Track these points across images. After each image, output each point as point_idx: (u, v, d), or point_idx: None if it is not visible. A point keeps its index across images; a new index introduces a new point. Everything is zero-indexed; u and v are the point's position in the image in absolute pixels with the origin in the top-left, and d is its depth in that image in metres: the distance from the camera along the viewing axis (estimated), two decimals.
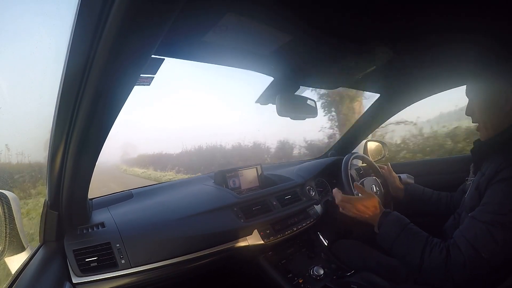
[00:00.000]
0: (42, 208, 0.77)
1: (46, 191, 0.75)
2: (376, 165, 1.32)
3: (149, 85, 0.67)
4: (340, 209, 0.96)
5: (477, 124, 0.84)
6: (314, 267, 1.02)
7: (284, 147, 8.68)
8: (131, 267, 0.76)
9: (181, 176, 8.78)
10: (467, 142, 3.42)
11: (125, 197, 1.09)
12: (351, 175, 1.18)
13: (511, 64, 0.82)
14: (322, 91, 5.29)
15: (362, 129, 1.61)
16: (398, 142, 4.46)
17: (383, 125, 1.61)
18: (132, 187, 1.20)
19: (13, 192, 0.76)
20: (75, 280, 0.70)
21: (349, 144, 1.67)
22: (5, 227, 0.70)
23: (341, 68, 0.89)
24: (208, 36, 0.64)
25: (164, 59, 0.64)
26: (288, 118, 0.99)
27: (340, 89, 3.69)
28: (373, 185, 1.16)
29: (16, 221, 0.73)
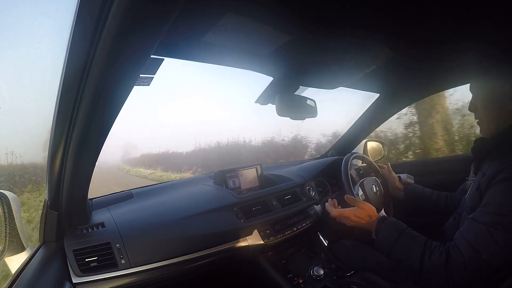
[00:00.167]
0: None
1: (46, 191, 0.75)
2: (376, 165, 1.32)
3: (148, 85, 0.67)
4: (337, 219, 0.96)
5: (479, 120, 0.84)
6: (314, 267, 1.02)
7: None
8: (131, 267, 0.76)
9: None
10: None
11: (125, 197, 1.09)
12: (351, 175, 1.18)
13: None
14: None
15: (362, 129, 1.61)
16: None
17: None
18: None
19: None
20: (75, 280, 0.70)
21: (349, 144, 1.67)
22: (5, 227, 0.70)
23: (341, 68, 0.89)
24: (207, 36, 0.64)
25: (163, 59, 0.64)
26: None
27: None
28: (373, 185, 1.16)
29: (16, 221, 0.73)
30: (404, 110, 3.48)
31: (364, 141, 1.64)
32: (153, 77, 0.66)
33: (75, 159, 0.61)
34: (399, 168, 1.45)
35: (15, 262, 0.73)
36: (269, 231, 1.02)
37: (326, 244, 1.20)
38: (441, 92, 3.23)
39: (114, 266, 0.75)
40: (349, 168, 1.17)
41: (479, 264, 0.64)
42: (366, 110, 1.52)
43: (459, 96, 3.72)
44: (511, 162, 0.69)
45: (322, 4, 0.55)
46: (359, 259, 1.06)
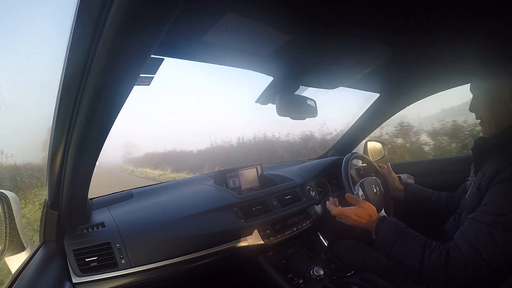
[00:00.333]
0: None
1: (46, 191, 0.75)
2: (376, 165, 1.32)
3: (148, 85, 0.67)
4: (337, 218, 0.96)
5: (480, 120, 0.84)
6: (314, 267, 1.02)
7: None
8: (131, 267, 0.76)
9: None
10: None
11: (125, 197, 1.09)
12: (351, 175, 1.18)
13: None
14: None
15: (362, 129, 1.61)
16: None
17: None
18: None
19: None
20: (75, 280, 0.70)
21: (349, 144, 1.67)
22: (5, 226, 0.70)
23: (341, 68, 0.89)
24: (207, 36, 0.64)
25: (163, 59, 0.64)
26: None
27: None
28: (373, 185, 1.16)
29: (16, 221, 0.73)
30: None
31: (364, 141, 1.64)
32: (153, 77, 0.66)
33: (75, 159, 0.61)
34: (399, 168, 1.45)
35: (15, 262, 0.73)
36: (269, 231, 1.02)
37: (326, 244, 1.20)
38: None
39: (114, 266, 0.75)
40: (349, 168, 1.17)
41: (479, 263, 0.64)
42: (366, 110, 1.52)
43: None
44: (511, 162, 0.69)
45: (322, 4, 0.55)
46: (359, 259, 1.06)
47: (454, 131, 3.63)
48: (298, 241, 1.17)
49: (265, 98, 1.00)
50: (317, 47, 0.77)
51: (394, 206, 1.22)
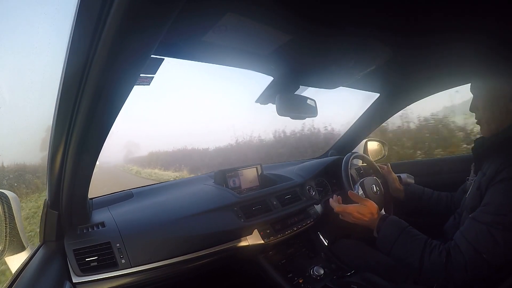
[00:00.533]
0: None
1: (46, 191, 0.75)
2: (376, 164, 1.32)
3: (149, 84, 0.67)
4: (340, 216, 0.97)
5: (480, 120, 0.84)
6: (314, 267, 1.02)
7: None
8: (131, 267, 0.76)
9: None
10: None
11: (125, 196, 1.09)
12: (351, 174, 1.18)
13: None
14: None
15: (362, 128, 1.61)
16: None
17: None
18: None
19: None
20: (75, 279, 0.70)
21: (349, 144, 1.67)
22: (5, 226, 0.70)
23: (341, 68, 0.89)
24: (207, 36, 0.64)
25: (163, 59, 0.64)
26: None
27: None
28: (373, 185, 1.16)
29: (16, 221, 0.73)
30: None
31: (364, 140, 1.64)
32: (153, 77, 0.65)
33: (75, 159, 0.61)
34: (399, 168, 1.45)
35: (15, 261, 0.73)
36: (269, 230, 1.02)
37: (326, 244, 1.20)
38: None
39: (114, 266, 0.75)
40: (349, 168, 1.17)
41: (479, 263, 0.64)
42: (366, 110, 1.52)
43: None
44: (511, 162, 0.69)
45: (322, 4, 0.55)
46: (359, 258, 1.07)
47: None
48: (298, 241, 1.17)
49: (265, 98, 1.00)
50: (317, 47, 0.77)
51: (394, 206, 1.22)
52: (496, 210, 0.66)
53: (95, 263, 0.74)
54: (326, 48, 0.77)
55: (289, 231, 1.06)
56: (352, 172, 1.37)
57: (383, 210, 1.00)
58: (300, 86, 1.02)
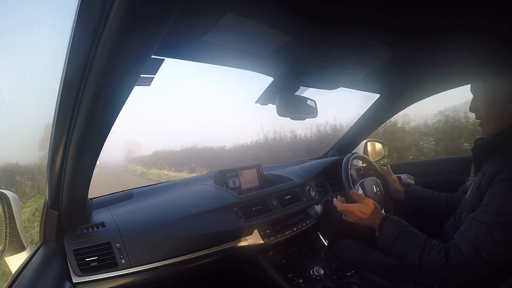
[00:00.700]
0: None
1: (47, 191, 0.75)
2: (376, 165, 1.32)
3: (149, 85, 0.67)
4: (343, 216, 0.97)
5: (480, 120, 0.84)
6: (314, 267, 1.02)
7: None
8: (131, 267, 0.76)
9: None
10: None
11: (125, 197, 1.09)
12: (351, 175, 1.18)
13: None
14: None
15: (362, 129, 1.61)
16: None
17: None
18: None
19: None
20: (75, 279, 0.70)
21: (349, 144, 1.67)
22: (5, 226, 0.70)
23: (341, 68, 0.89)
24: (208, 37, 0.64)
25: (164, 59, 0.64)
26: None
27: None
28: (373, 186, 1.16)
29: (16, 221, 0.73)
30: None
31: (364, 141, 1.64)
32: (153, 77, 0.65)
33: (75, 159, 0.61)
34: (399, 168, 1.45)
35: (15, 261, 0.73)
36: (269, 231, 1.02)
37: (326, 244, 1.20)
38: None
39: (114, 266, 0.75)
40: (349, 168, 1.17)
41: (479, 263, 0.64)
42: (366, 110, 1.53)
43: None
44: (511, 162, 0.69)
45: (322, 4, 0.55)
46: (359, 259, 1.07)
47: None
48: (298, 241, 1.17)
49: (265, 98, 1.00)
50: (317, 48, 0.77)
51: (394, 207, 1.22)
52: (496, 210, 0.67)
53: (95, 263, 0.74)
54: (326, 48, 0.77)
55: (289, 232, 1.06)
56: (352, 172, 1.37)
57: (382, 210, 1.00)
58: (300, 86, 1.02)
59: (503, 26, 0.64)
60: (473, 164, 0.90)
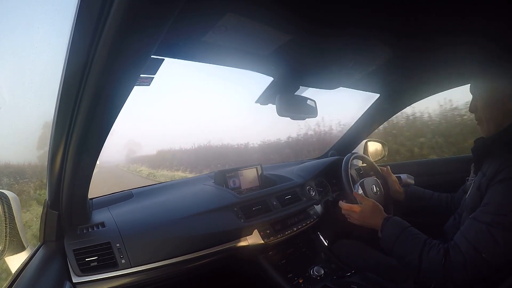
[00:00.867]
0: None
1: (47, 191, 0.75)
2: (376, 165, 1.32)
3: (149, 85, 0.67)
4: (348, 218, 0.98)
5: (480, 120, 0.84)
6: (314, 267, 1.02)
7: None
8: (131, 267, 0.76)
9: None
10: None
11: (125, 197, 1.09)
12: (351, 175, 1.18)
13: None
14: None
15: (362, 129, 1.61)
16: None
17: None
18: None
19: None
20: (75, 279, 0.70)
21: (349, 144, 1.67)
22: (5, 226, 0.70)
23: (341, 68, 0.89)
24: (208, 37, 0.64)
25: (164, 59, 0.64)
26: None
27: None
28: (373, 186, 1.16)
29: (16, 221, 0.73)
30: None
31: (364, 141, 1.64)
32: (153, 77, 0.66)
33: (75, 159, 0.61)
34: (399, 168, 1.45)
35: (15, 261, 0.73)
36: (269, 231, 1.02)
37: (326, 244, 1.20)
38: None
39: (114, 266, 0.75)
40: (349, 168, 1.17)
41: (479, 263, 0.64)
42: (366, 110, 1.53)
43: None
44: (511, 162, 0.69)
45: (322, 4, 0.55)
46: (359, 259, 1.07)
47: None
48: (298, 241, 1.17)
49: (265, 98, 1.00)
50: (317, 47, 0.77)
51: (394, 207, 1.22)
52: (496, 210, 0.67)
53: (95, 263, 0.74)
54: (326, 48, 0.77)
55: (289, 231, 1.06)
56: (352, 172, 1.37)
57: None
58: (300, 86, 1.02)
59: (503, 26, 0.64)
60: (473, 164, 0.90)
